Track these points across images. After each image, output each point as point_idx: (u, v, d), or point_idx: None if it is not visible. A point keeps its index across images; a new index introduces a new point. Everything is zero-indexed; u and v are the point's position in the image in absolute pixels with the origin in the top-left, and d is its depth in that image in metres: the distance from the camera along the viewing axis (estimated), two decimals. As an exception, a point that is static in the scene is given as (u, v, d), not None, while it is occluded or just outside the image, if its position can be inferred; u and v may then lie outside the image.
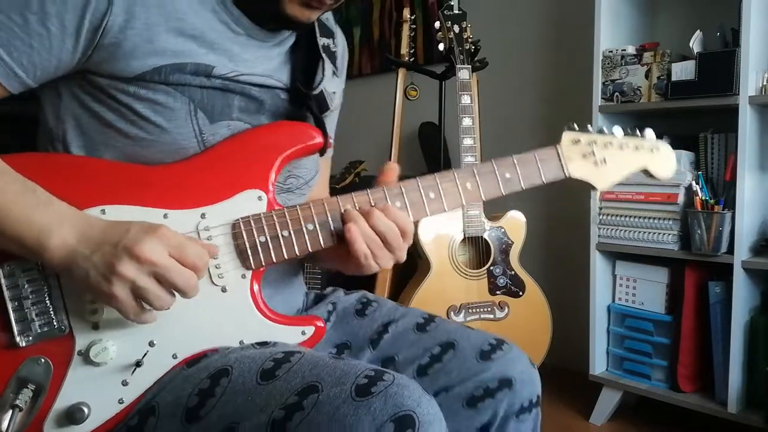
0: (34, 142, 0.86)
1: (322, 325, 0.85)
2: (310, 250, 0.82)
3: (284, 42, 0.90)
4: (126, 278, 0.69)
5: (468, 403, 0.88)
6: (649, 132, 0.96)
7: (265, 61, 0.87)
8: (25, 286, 0.74)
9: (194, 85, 0.80)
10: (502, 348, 0.91)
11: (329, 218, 0.82)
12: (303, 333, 0.83)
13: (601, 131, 0.94)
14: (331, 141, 1.10)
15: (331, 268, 0.93)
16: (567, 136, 0.93)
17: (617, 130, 0.94)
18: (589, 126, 0.94)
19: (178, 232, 0.73)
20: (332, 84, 0.97)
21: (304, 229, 0.81)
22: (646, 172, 0.96)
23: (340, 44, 1.03)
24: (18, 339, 0.73)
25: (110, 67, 0.77)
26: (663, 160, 0.96)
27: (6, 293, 0.74)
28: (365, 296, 1.03)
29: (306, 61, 0.92)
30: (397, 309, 0.99)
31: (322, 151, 0.89)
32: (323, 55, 0.92)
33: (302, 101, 0.90)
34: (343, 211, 0.81)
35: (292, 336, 0.82)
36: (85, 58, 0.76)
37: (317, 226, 0.81)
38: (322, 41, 0.93)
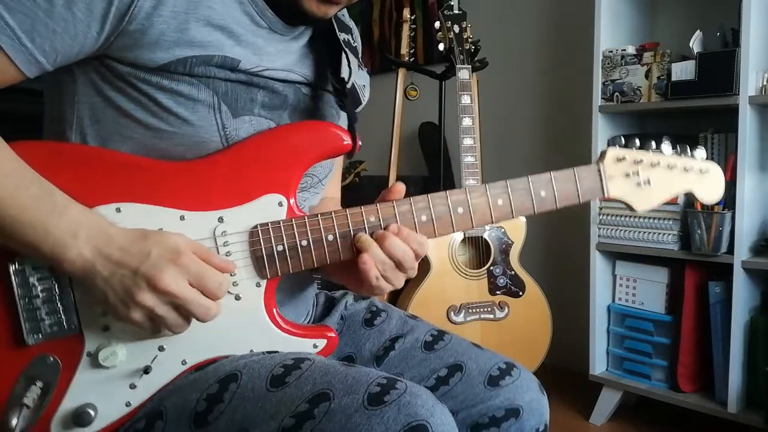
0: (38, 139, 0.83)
1: (334, 335, 0.82)
2: (328, 261, 0.78)
3: (301, 36, 0.88)
4: (144, 307, 0.69)
5: (473, 430, 0.86)
6: (700, 151, 0.90)
7: (286, 55, 0.85)
8: (36, 284, 0.73)
9: (219, 78, 0.77)
10: (512, 374, 0.88)
11: (351, 230, 0.78)
12: (315, 346, 0.80)
13: (647, 147, 0.88)
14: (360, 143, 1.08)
15: (338, 282, 0.91)
16: (611, 153, 0.86)
17: (666, 147, 0.88)
18: (637, 140, 0.88)
19: (198, 259, 0.71)
20: (360, 77, 0.94)
21: (324, 239, 0.78)
22: (691, 195, 0.90)
23: (357, 39, 1.01)
24: (27, 337, 0.72)
25: (133, 55, 0.73)
26: (711, 184, 0.90)
27: (16, 291, 0.72)
28: (374, 304, 1.00)
29: (331, 56, 0.89)
30: (406, 322, 0.96)
31: (350, 153, 0.84)
32: (345, 49, 0.90)
33: (322, 96, 0.88)
34: (366, 225, 0.78)
35: (303, 348, 0.80)
36: (107, 43, 0.73)
37: (338, 237, 0.78)
38: (342, 36, 0.91)
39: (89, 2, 0.70)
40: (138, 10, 0.72)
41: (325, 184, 0.95)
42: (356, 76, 0.89)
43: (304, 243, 0.77)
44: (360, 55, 0.99)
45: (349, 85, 0.86)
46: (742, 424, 1.78)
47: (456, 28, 2.04)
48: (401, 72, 2.40)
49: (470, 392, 0.87)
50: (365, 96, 0.95)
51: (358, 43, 1.00)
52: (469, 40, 2.05)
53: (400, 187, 0.82)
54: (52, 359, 0.73)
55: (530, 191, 0.83)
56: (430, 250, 1.96)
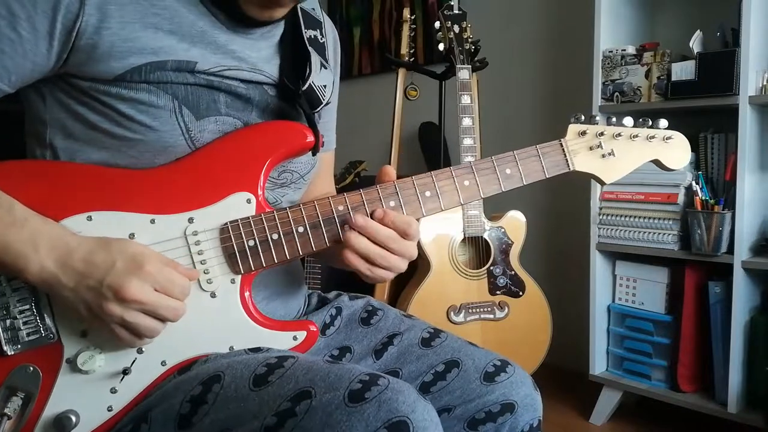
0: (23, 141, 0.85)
1: (315, 329, 0.82)
2: (300, 253, 0.79)
3: (270, 34, 0.88)
4: (114, 316, 0.70)
5: (469, 425, 0.87)
6: (663, 122, 0.91)
7: (252, 55, 0.85)
8: (12, 295, 0.73)
9: (177, 83, 0.78)
10: (506, 370, 0.89)
11: (321, 221, 0.79)
12: (294, 338, 0.81)
13: (610, 122, 0.90)
14: (334, 136, 1.07)
15: (335, 265, 0.91)
16: (573, 128, 0.88)
17: (628, 120, 0.90)
18: (597, 116, 0.89)
19: (161, 265, 0.72)
20: (321, 77, 0.94)
21: (294, 232, 0.79)
22: (658, 163, 0.91)
23: (329, 34, 1.00)
24: (6, 347, 0.73)
25: (90, 70, 0.75)
26: (676, 151, 0.91)
27: None
28: (370, 303, 1.01)
29: (294, 56, 0.90)
30: (402, 320, 0.97)
31: (314, 150, 0.86)
32: (310, 48, 0.90)
33: (292, 97, 0.88)
34: (335, 214, 0.80)
35: (283, 341, 0.80)
36: (62, 61, 0.75)
37: (308, 229, 0.79)
38: (308, 33, 0.91)
39: (33, 22, 0.72)
40: (85, 25, 0.73)
41: (308, 179, 0.95)
42: (316, 76, 0.89)
43: (275, 237, 0.79)
44: (327, 51, 0.98)
45: (305, 87, 0.87)
46: (742, 424, 1.78)
47: (456, 28, 2.04)
48: (401, 72, 2.40)
49: (467, 387, 0.88)
50: (325, 96, 0.94)
51: (329, 38, 0.99)
52: (469, 40, 2.05)
53: (388, 170, 0.84)
54: (32, 369, 0.73)
55: (496, 171, 0.85)
56: (430, 250, 1.97)
